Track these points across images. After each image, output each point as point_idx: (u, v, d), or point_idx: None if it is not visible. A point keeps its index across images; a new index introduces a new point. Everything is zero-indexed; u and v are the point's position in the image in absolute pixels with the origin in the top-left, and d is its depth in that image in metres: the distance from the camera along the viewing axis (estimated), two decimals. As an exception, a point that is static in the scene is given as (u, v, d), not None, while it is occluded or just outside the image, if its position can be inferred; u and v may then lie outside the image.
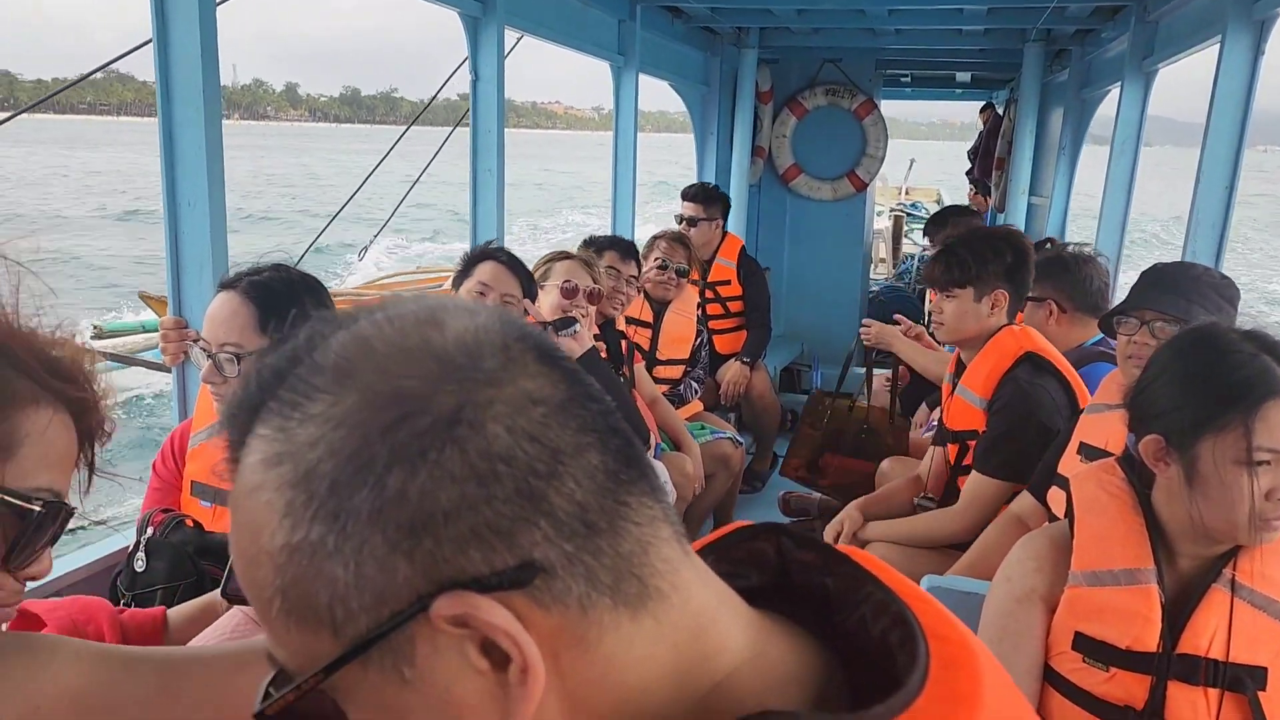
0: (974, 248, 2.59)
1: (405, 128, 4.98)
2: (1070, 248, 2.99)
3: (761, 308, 4.86)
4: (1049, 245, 3.29)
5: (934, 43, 6.10)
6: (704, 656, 0.52)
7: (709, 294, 4.81)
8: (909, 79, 8.45)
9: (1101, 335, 2.71)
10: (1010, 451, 2.44)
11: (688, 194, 4.80)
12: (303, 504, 0.47)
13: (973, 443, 2.59)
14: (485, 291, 2.53)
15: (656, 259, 4.05)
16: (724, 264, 4.83)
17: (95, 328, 10.22)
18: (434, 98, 5.01)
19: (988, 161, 7.63)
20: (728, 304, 4.86)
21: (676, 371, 4.13)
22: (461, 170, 3.37)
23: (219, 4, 2.09)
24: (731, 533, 0.64)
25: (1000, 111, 7.65)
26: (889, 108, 6.83)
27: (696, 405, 4.16)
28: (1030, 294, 2.75)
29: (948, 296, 2.58)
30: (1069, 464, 2.15)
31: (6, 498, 0.85)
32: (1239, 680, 1.43)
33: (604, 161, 5.07)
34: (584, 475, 0.49)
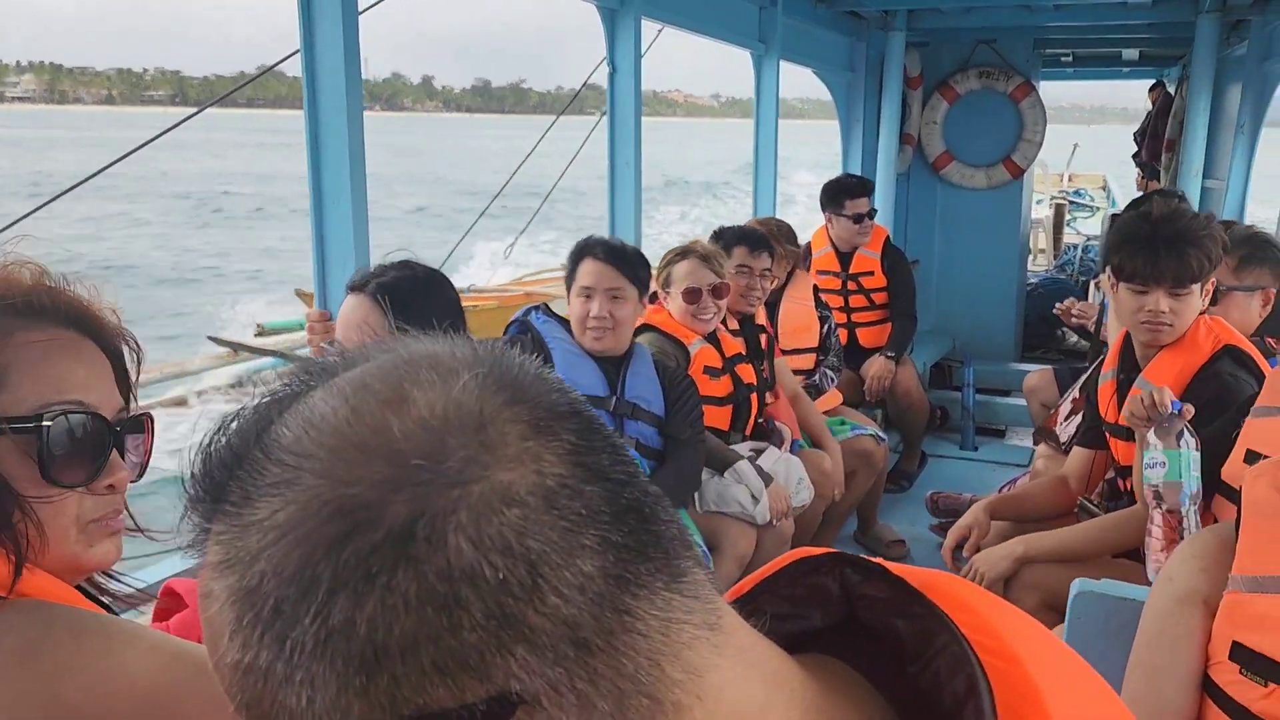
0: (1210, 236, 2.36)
1: (553, 120, 5.04)
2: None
3: (905, 299, 4.69)
4: (1250, 229, 2.99)
5: (1098, 18, 5.74)
6: None
7: (851, 285, 4.68)
8: (1070, 58, 8.01)
9: None
10: (1220, 451, 2.23)
11: (860, 189, 4.57)
12: (250, 623, 0.42)
13: None
14: (590, 294, 2.48)
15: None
16: (867, 255, 4.68)
17: (258, 326, 10.21)
18: (578, 93, 5.05)
19: (1156, 144, 7.15)
20: (872, 295, 4.71)
21: (806, 361, 3.98)
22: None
23: (361, 13, 2.16)
24: (790, 566, 0.57)
25: (1171, 90, 7.17)
26: (1049, 90, 6.46)
27: (835, 396, 4.02)
28: (1240, 284, 2.54)
29: (1177, 295, 2.28)
30: (1233, 472, 1.96)
31: (8, 426, 0.89)
32: None
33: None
34: (572, 587, 0.41)
